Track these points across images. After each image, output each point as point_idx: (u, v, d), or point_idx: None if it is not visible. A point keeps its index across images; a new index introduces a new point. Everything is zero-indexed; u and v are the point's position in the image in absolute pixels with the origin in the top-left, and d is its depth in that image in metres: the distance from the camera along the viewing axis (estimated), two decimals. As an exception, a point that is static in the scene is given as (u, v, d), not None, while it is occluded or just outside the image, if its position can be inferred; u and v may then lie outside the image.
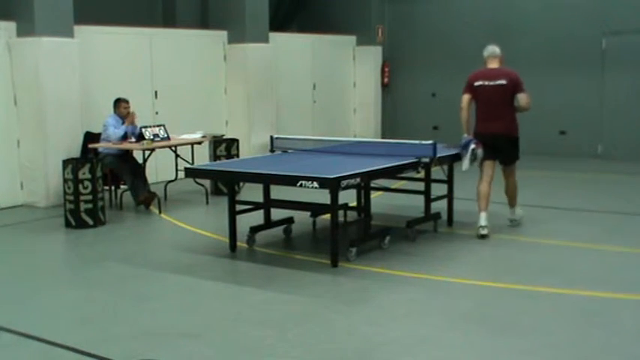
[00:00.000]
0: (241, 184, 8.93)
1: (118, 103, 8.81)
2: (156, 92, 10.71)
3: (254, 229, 6.98)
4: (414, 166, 6.78)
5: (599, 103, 12.48)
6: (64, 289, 5.97)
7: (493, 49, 7.27)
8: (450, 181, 7.64)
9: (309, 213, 7.41)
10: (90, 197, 7.82)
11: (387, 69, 14.68)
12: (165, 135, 8.90)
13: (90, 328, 4.95)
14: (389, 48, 14.66)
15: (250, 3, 11.49)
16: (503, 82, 7.10)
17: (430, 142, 6.86)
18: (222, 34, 11.67)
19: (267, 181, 6.74)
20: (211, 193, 9.41)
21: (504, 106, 7.14)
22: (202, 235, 7.51)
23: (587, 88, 12.55)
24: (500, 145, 7.22)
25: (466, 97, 7.26)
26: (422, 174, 7.16)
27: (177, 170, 9.19)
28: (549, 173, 11.22)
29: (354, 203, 7.21)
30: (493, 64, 7.24)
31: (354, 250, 6.31)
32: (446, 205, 7.63)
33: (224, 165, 7.87)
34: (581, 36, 12.50)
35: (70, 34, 9.11)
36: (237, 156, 9.86)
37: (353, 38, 14.37)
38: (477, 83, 7.19)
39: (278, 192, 7.23)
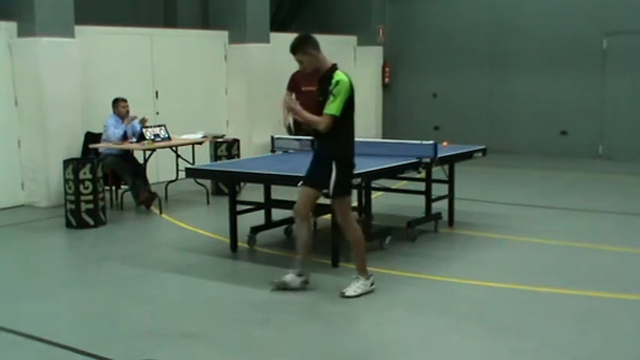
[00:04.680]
0: (242, 184, 8.93)
1: (117, 102, 8.81)
2: (157, 92, 10.71)
3: (255, 230, 6.97)
4: (414, 167, 6.78)
5: (600, 103, 12.47)
6: (65, 289, 5.97)
7: None
8: (450, 182, 7.64)
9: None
10: (91, 197, 7.83)
11: (387, 69, 14.67)
12: (166, 135, 8.90)
13: (90, 328, 4.95)
14: (390, 48, 14.65)
15: (251, 3, 11.49)
16: None
17: (431, 142, 6.86)
18: (223, 34, 11.67)
19: (268, 181, 6.73)
20: (212, 193, 9.41)
21: None
22: (203, 235, 7.51)
23: (588, 89, 12.54)
24: None
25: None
26: (423, 174, 7.17)
27: (177, 170, 9.18)
28: (549, 173, 11.21)
29: (354, 203, 7.19)
30: None
31: (354, 250, 6.29)
32: (447, 206, 7.62)
33: (225, 165, 7.87)
34: (582, 36, 12.48)
35: (70, 34, 9.11)
36: (238, 156, 9.85)
37: (354, 38, 14.36)
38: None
39: (279, 192, 7.23)
